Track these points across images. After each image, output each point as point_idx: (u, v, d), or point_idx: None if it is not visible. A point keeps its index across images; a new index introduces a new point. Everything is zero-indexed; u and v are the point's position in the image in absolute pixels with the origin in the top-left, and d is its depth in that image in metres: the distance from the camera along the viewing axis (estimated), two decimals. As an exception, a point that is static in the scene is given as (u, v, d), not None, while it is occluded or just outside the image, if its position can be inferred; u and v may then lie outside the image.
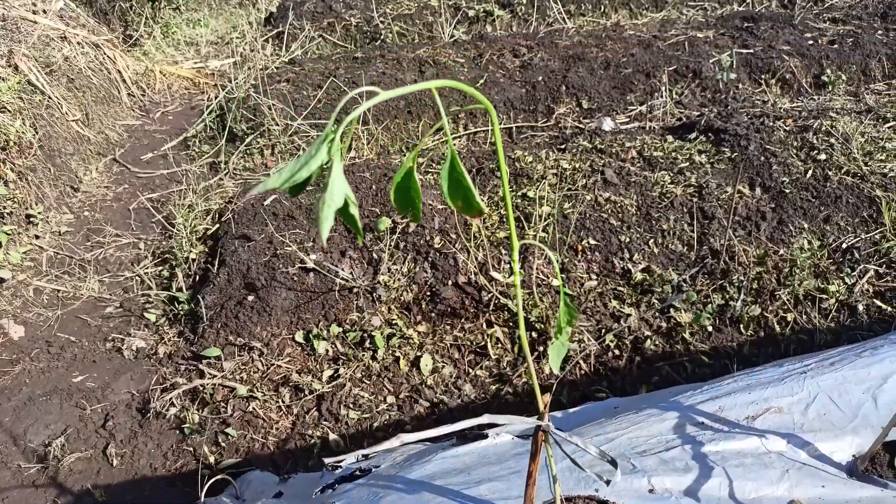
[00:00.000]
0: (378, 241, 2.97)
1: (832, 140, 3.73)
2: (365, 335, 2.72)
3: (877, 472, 1.36)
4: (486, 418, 1.03)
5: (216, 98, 5.17)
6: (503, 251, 3.03)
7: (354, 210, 0.72)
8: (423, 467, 1.64)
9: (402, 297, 2.84)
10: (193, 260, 3.23)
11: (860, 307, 3.05)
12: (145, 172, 4.47)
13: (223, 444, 2.48)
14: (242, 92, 4.90)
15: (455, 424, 1.06)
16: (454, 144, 4.66)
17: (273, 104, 4.47)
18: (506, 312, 2.85)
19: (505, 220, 3.15)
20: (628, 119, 4.91)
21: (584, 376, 2.77)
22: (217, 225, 3.43)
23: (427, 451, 1.70)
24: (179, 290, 3.12)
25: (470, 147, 4.63)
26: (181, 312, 2.99)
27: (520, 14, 6.94)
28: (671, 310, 2.97)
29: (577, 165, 3.54)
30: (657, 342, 2.88)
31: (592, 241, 3.10)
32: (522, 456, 1.56)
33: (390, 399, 2.63)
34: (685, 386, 1.93)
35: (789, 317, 3.00)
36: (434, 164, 3.80)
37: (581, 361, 2.79)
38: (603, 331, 2.91)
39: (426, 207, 3.17)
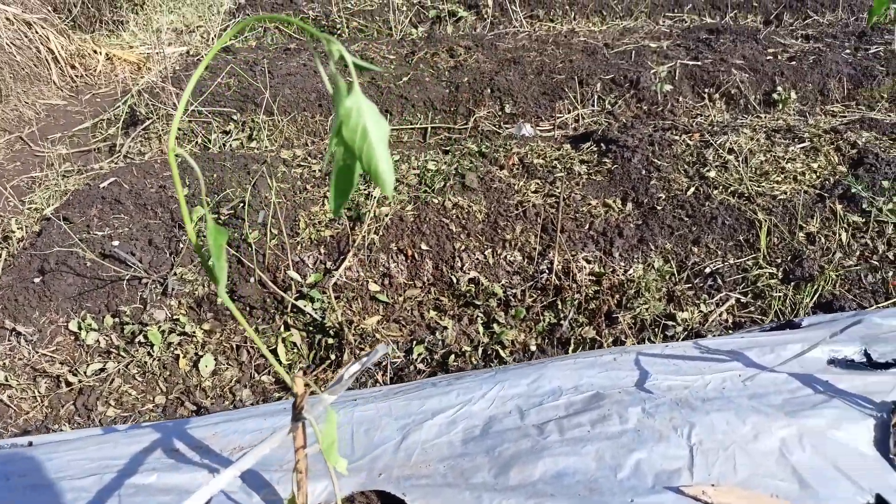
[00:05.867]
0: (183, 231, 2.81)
1: (729, 157, 3.44)
2: (143, 329, 2.56)
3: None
4: None
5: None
6: (322, 251, 2.83)
7: None
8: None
9: (195, 292, 2.67)
10: (20, 240, 3.12)
11: (710, 337, 2.77)
12: (43, 152, 4.41)
13: (-35, 432, 2.34)
14: (159, 77, 4.81)
15: None
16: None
17: (173, 90, 4.36)
18: (307, 315, 2.66)
19: (337, 219, 2.96)
20: (552, 127, 4.67)
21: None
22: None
23: None
24: (-3, 269, 3.01)
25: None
26: (-14, 292, 2.87)
27: (485, 16, 6.74)
28: (495, 325, 2.74)
29: (443, 168, 3.33)
30: (474, 359, 2.64)
31: (425, 247, 2.89)
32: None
33: (159, 399, 2.46)
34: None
35: (628, 343, 2.74)
36: (311, 157, 3.62)
37: (378, 374, 2.58)
38: (414, 342, 2.69)
39: (259, 200, 3.00)
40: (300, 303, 2.61)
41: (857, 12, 6.75)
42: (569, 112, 4.74)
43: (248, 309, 2.67)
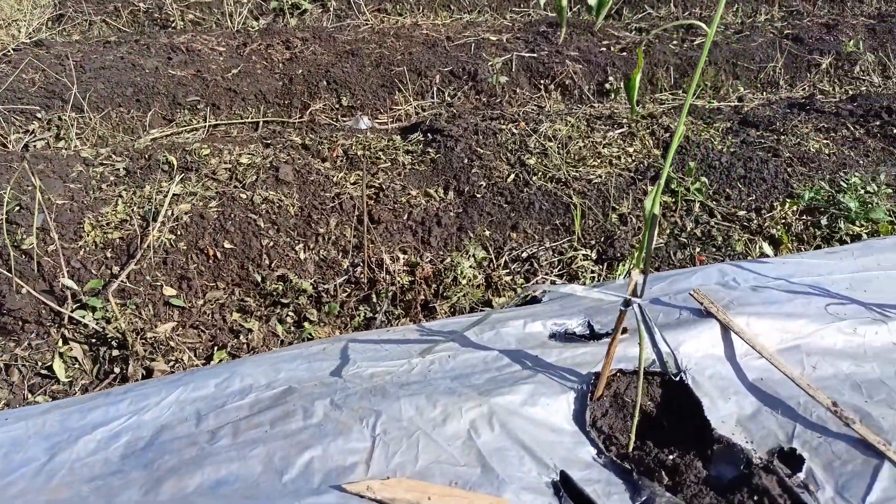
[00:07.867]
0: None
1: (549, 144, 3.47)
2: None
3: None
4: None
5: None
6: (109, 255, 2.58)
7: None
8: None
9: (-47, 307, 2.35)
10: None
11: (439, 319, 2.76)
12: None
13: None
14: (-48, 72, 4.30)
15: None
16: (188, 136, 4.21)
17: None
18: (90, 327, 2.41)
19: (129, 219, 2.71)
20: (391, 119, 4.58)
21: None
22: None
23: None
24: None
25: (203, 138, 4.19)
26: None
27: (330, 9, 6.57)
28: (307, 323, 2.60)
29: (257, 161, 3.15)
30: (281, 362, 2.49)
31: (229, 245, 2.70)
32: None
33: None
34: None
35: (445, 334, 2.68)
36: (114, 157, 3.32)
37: (173, 385, 2.37)
38: (216, 348, 2.50)
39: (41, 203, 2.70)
40: (78, 313, 2.36)
41: (689, 7, 7.10)
42: (408, 104, 4.67)
43: (19, 323, 2.38)
